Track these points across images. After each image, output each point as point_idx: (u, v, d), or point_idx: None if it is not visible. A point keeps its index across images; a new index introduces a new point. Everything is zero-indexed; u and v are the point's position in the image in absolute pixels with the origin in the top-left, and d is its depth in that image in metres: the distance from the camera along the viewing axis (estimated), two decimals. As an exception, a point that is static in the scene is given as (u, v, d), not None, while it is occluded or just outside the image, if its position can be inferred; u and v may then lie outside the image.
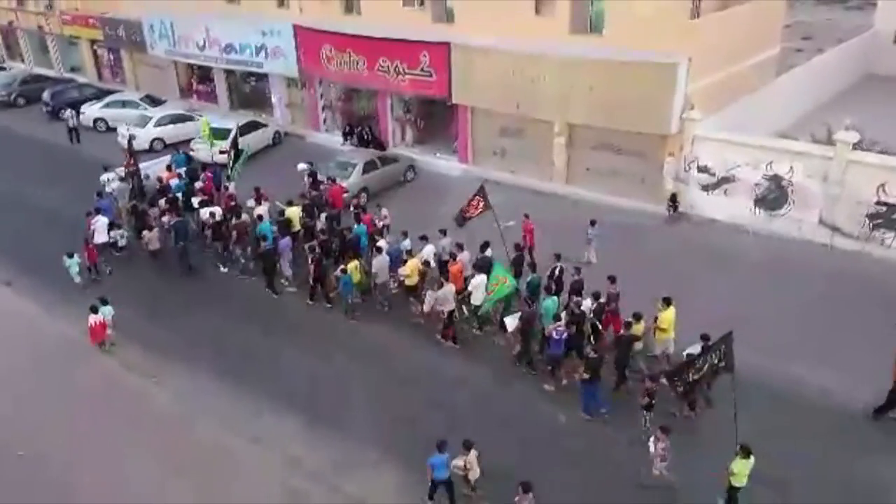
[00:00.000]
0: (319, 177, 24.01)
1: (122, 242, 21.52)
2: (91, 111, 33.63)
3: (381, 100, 29.03)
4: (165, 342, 17.95)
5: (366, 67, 27.74)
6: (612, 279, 16.60)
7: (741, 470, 11.75)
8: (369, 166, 25.16)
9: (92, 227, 20.74)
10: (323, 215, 21.17)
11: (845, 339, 16.27)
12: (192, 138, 28.73)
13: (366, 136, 29.20)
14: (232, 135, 24.75)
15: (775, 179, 20.80)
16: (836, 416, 14.46)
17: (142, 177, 23.31)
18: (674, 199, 22.47)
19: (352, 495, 13.48)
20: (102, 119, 33.11)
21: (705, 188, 22.18)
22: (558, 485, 12.95)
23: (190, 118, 31.39)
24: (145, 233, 20.99)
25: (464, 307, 17.88)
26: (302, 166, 24.63)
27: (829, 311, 17.37)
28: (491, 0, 23.77)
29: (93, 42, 40.02)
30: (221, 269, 21.00)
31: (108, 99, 34.54)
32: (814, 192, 20.26)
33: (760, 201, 21.28)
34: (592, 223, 19.73)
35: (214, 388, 16.41)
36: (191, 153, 27.31)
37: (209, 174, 24.26)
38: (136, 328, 18.24)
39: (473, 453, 12.49)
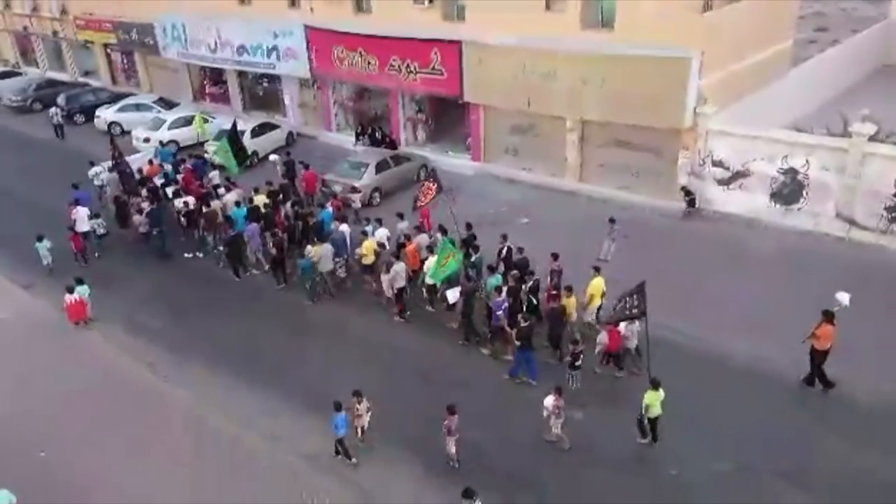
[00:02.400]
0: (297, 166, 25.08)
1: (100, 231, 22.32)
2: (106, 115, 33.89)
3: (392, 99, 29.05)
4: (146, 325, 18.80)
5: (377, 67, 27.78)
6: (555, 256, 17.38)
7: (651, 401, 13.21)
8: (382, 166, 25.18)
9: (74, 217, 21.72)
10: (289, 202, 22.05)
11: (864, 333, 16.09)
12: (206, 140, 28.92)
13: (378, 136, 29.24)
14: (229, 131, 25.25)
15: (791, 173, 20.63)
16: (854, 412, 14.34)
17: (124, 169, 24.53)
18: (688, 193, 22.32)
19: (364, 487, 13.58)
20: (117, 122, 33.34)
21: (720, 183, 22.03)
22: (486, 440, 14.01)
23: (204, 120, 31.54)
24: (136, 217, 22.08)
25: (421, 288, 18.64)
26: (273, 157, 26.18)
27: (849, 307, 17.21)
28: (501, -3, 23.75)
29: (106, 46, 40.28)
30: (196, 254, 21.96)
31: (122, 102, 34.78)
32: (830, 185, 20.09)
33: (776, 195, 21.12)
34: (612, 221, 19.64)
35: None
36: (205, 155, 27.47)
37: (189, 166, 25.32)
38: (116, 311, 19.30)
39: (365, 403, 13.78)
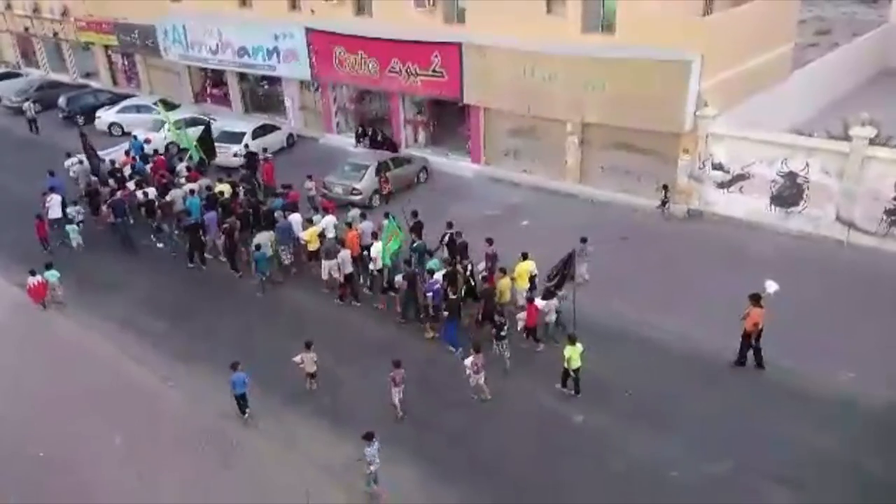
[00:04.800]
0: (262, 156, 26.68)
1: (78, 218, 23.23)
2: (106, 116, 33.90)
3: (393, 101, 29.07)
4: (126, 318, 19.45)
5: (378, 69, 27.80)
6: (490, 241, 18.42)
7: (571, 354, 14.81)
8: (382, 168, 25.20)
9: (47, 205, 22.83)
10: (242, 190, 23.13)
11: (865, 336, 16.11)
12: (239, 149, 28.83)
13: (378, 138, 29.24)
14: (202, 129, 27.47)
15: (791, 176, 20.64)
16: (860, 414, 14.32)
17: (96, 161, 25.98)
18: (666, 191, 22.36)
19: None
20: (118, 124, 33.35)
21: (720, 186, 22.04)
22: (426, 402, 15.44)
23: (204, 122, 31.56)
24: (103, 208, 23.22)
25: (362, 276, 19.79)
26: (235, 148, 27.91)
27: (845, 308, 17.22)
28: (502, 0, 23.73)
29: (107, 48, 40.29)
30: (157, 244, 22.83)
31: (122, 104, 34.79)
32: (830, 189, 20.09)
33: (776, 198, 21.12)
34: (584, 240, 18.72)
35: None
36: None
37: (160, 157, 26.57)
38: (82, 295, 20.44)
39: (312, 354, 15.47)
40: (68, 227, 22.50)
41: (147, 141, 28.61)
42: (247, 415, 15.31)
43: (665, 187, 22.38)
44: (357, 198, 23.83)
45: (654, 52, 21.07)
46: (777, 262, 19.36)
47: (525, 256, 17.76)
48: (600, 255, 19.59)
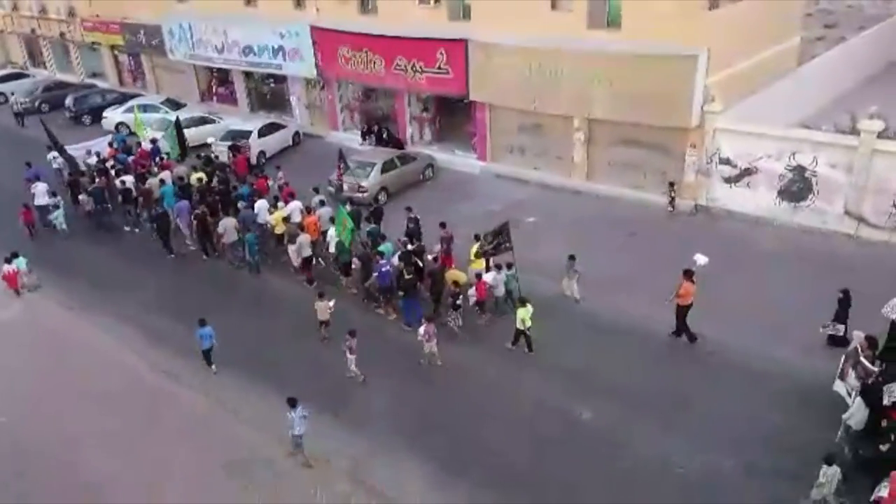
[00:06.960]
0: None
1: (54, 205, 24.12)
2: (113, 116, 34.03)
3: (398, 99, 29.08)
4: (87, 294, 20.51)
5: (383, 67, 27.80)
6: (443, 225, 19.28)
7: (524, 315, 16.02)
8: (388, 165, 25.20)
9: (32, 191, 24.06)
10: (214, 178, 24.22)
11: (872, 331, 15.97)
12: (213, 140, 29.13)
13: (384, 136, 29.24)
14: (174, 124, 27.73)
15: (798, 170, 20.54)
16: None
17: (70, 154, 27.11)
18: (672, 187, 22.34)
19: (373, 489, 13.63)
20: (125, 123, 33.45)
21: (728, 181, 21.96)
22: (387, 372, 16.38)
23: (211, 121, 31.70)
24: (81, 197, 24.13)
25: (321, 259, 20.62)
26: (211, 139, 29.22)
27: (854, 303, 17.06)
28: (507, -4, 23.72)
29: (114, 48, 40.48)
30: (133, 230, 23.87)
31: (129, 103, 34.84)
32: (838, 183, 19.99)
33: (784, 192, 21.04)
34: (571, 258, 18.27)
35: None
36: (211, 155, 27.60)
37: (143, 150, 27.77)
38: (63, 281, 21.32)
39: (324, 302, 16.91)
40: (55, 214, 23.56)
41: (153, 140, 28.67)
42: (213, 368, 16.54)
43: (671, 184, 22.31)
44: (363, 195, 23.83)
45: (661, 46, 20.98)
46: (785, 257, 19.34)
47: (477, 238, 18.37)
48: (608, 251, 19.61)
